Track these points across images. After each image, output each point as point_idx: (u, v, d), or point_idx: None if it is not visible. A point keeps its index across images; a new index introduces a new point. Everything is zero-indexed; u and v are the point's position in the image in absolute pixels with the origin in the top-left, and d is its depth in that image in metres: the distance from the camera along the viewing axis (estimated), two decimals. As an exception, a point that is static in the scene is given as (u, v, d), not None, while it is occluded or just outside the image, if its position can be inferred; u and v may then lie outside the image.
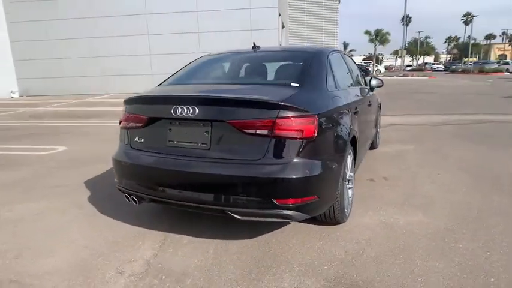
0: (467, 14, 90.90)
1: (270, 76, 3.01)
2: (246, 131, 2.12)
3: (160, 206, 2.88)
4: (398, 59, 77.60)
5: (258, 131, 2.10)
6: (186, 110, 2.22)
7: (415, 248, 2.30)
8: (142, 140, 2.49)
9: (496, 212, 2.81)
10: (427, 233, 2.49)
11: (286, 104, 2.11)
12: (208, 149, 2.23)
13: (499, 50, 79.62)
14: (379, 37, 55.60)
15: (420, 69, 52.91)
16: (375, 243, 2.38)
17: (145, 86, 4.82)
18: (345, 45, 68.46)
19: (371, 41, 55.84)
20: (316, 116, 2.18)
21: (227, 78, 3.23)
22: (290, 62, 3.26)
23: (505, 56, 73.57)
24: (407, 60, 73.76)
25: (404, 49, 51.47)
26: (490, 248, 2.27)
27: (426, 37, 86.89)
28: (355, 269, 2.09)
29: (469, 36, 61.57)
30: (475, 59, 62.73)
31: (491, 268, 2.06)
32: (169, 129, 2.36)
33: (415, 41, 77.15)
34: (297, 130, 2.10)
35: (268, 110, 2.11)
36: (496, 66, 38.88)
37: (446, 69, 50.32)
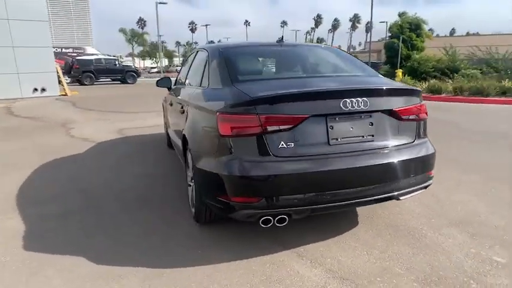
0: (192, 23, 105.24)
1: (344, 68, 3.05)
2: (403, 117, 2.30)
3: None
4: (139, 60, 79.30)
5: (412, 116, 2.35)
6: (356, 103, 2.11)
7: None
8: (292, 145, 2.06)
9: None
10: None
11: (421, 91, 2.47)
12: (373, 140, 2.23)
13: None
14: (136, 38, 54.92)
15: (163, 70, 56.48)
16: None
17: None
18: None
19: (128, 41, 54.34)
20: None
21: (306, 71, 3.01)
22: (337, 56, 3.33)
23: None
24: (149, 62, 77.01)
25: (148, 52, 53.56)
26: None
27: (163, 42, 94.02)
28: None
29: (196, 42, 72.15)
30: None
31: None
32: (331, 127, 2.11)
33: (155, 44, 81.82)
34: (426, 113, 2.50)
35: (414, 97, 2.39)
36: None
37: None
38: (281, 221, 2.10)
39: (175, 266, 2.17)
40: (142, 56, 64.64)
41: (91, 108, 10.63)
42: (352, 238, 2.49)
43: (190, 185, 2.94)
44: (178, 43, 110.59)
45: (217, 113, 2.13)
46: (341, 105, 2.09)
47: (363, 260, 2.21)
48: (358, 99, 2.12)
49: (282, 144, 2.05)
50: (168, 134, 4.97)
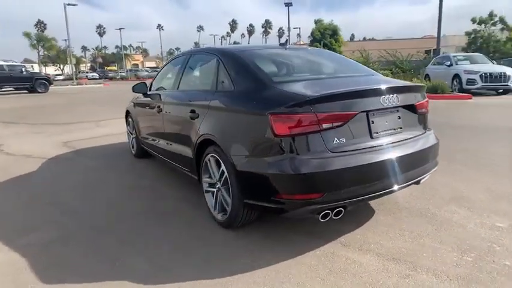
0: (100, 26, 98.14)
1: (354, 68, 3.21)
2: (418, 110, 2.62)
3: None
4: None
5: (423, 110, 2.68)
6: (390, 99, 2.34)
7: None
8: (344, 140, 2.19)
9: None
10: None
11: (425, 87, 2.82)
12: (401, 132, 2.48)
13: (133, 60, 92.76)
14: (43, 42, 48.33)
15: (70, 78, 51.54)
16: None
17: None
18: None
19: (33, 45, 47.54)
20: None
21: (324, 72, 3.15)
22: (339, 57, 3.55)
23: (137, 65, 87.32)
24: (52, 69, 69.20)
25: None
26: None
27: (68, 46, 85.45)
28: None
29: (121, 47, 67.34)
30: (115, 68, 70.15)
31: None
32: (372, 122, 2.29)
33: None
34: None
35: (423, 93, 2.73)
36: (147, 73, 46.06)
37: (101, 77, 52.52)
38: (338, 213, 2.21)
39: (240, 272, 2.12)
40: (44, 62, 57.81)
41: (12, 121, 9.27)
42: (378, 224, 2.71)
43: (209, 191, 2.87)
44: (84, 48, 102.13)
45: (270, 114, 2.15)
46: (380, 101, 2.29)
47: (401, 241, 2.45)
48: (392, 95, 2.35)
49: (336, 140, 2.16)
50: (140, 144, 4.66)
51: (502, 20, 20.97)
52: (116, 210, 3.16)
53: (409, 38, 45.43)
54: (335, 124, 2.15)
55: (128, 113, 5.13)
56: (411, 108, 2.58)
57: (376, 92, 2.34)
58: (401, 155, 2.36)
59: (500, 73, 12.13)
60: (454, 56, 14.40)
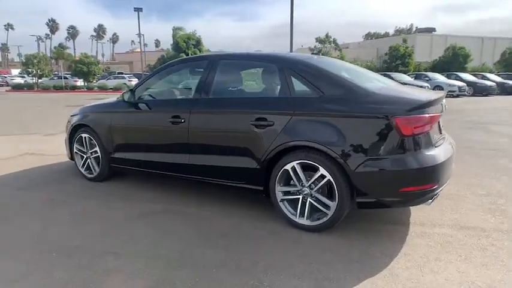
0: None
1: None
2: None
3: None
4: None
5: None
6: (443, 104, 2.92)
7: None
8: (435, 137, 2.68)
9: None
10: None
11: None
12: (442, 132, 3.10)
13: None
14: None
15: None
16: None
17: None
18: None
19: None
20: None
21: (372, 80, 3.26)
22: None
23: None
24: None
25: None
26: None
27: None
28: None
29: None
30: None
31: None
32: (438, 121, 2.83)
33: None
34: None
35: None
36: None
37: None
38: (435, 198, 2.64)
39: (356, 274, 2.30)
40: None
41: None
42: (417, 210, 3.26)
43: (284, 200, 2.86)
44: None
45: (395, 117, 2.42)
46: (443, 105, 2.86)
47: (452, 217, 3.08)
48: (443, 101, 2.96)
49: (435, 137, 2.62)
50: (110, 163, 3.91)
51: (334, 41, 26.60)
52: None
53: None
54: (433, 123, 2.60)
55: (79, 128, 4.15)
56: None
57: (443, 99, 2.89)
58: (452, 150, 2.93)
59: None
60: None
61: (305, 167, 2.73)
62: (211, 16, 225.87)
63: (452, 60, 28.14)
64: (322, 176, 2.64)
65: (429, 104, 2.55)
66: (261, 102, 3.07)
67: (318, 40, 24.80)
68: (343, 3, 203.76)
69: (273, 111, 2.86)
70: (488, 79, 22.23)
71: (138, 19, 31.83)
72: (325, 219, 2.69)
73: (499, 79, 22.81)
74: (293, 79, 2.88)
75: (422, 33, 45.59)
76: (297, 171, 2.74)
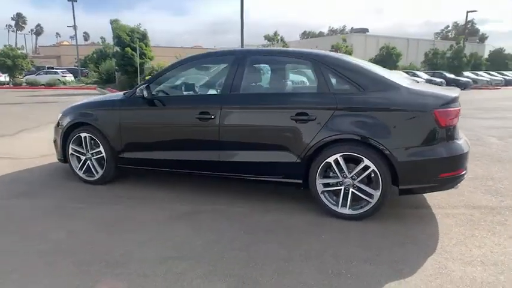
0: None
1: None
2: None
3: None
4: None
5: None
6: None
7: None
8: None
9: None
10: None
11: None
12: None
13: None
14: None
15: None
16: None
17: None
18: None
19: None
20: None
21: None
22: None
23: None
24: None
25: None
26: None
27: None
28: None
29: None
30: None
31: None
32: None
33: None
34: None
35: None
36: None
37: None
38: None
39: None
40: None
41: None
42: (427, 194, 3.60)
43: (325, 192, 2.96)
44: None
45: (435, 111, 2.66)
46: None
47: (460, 199, 3.46)
48: None
49: (458, 128, 2.92)
50: (118, 163, 3.67)
51: (282, 39, 27.36)
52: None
53: (181, 47, 47.01)
54: (459, 116, 2.90)
55: (76, 127, 3.80)
56: None
57: None
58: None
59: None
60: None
61: (346, 159, 2.87)
62: (145, 9, 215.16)
63: (387, 59, 30.61)
64: (366, 167, 2.79)
65: (457, 99, 2.85)
66: (301, 97, 3.14)
67: (267, 38, 25.38)
68: (280, 4, 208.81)
69: (314, 106, 2.94)
70: (418, 76, 24.67)
71: (73, 9, 29.30)
72: (367, 207, 2.86)
73: (426, 76, 25.44)
74: (330, 75, 2.99)
75: (357, 33, 48.65)
76: (339, 163, 2.87)
